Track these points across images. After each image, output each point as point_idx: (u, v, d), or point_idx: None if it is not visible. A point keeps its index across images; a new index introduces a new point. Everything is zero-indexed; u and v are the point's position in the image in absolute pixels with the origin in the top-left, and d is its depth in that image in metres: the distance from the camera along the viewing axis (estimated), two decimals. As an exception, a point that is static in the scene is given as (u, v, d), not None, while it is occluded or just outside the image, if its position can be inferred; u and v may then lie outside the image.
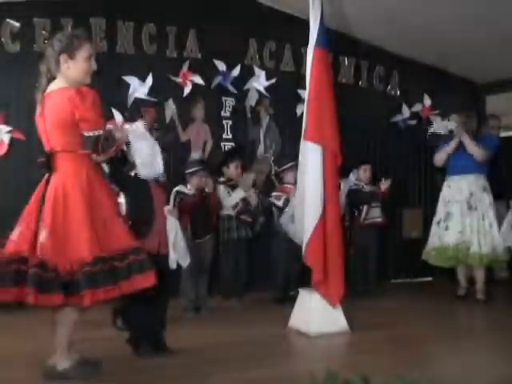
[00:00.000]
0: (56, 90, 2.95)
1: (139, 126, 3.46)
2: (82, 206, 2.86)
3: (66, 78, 2.97)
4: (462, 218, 5.34)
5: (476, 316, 5.07)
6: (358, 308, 4.67)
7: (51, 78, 3.00)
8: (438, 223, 5.50)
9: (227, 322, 4.55)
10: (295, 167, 5.28)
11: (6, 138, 5.15)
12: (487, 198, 5.40)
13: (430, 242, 5.56)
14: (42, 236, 2.82)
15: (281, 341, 3.99)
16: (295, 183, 5.26)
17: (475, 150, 5.35)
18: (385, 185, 5.71)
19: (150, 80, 5.37)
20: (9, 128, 5.15)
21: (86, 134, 2.90)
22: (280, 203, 5.30)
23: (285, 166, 5.45)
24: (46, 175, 2.95)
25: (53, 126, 2.94)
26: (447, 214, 5.42)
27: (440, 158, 5.61)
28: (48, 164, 2.94)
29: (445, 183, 5.57)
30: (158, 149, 3.50)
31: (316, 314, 4.11)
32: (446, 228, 5.40)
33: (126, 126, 3.42)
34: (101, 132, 2.92)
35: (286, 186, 5.43)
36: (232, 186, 5.24)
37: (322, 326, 4.07)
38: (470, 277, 5.56)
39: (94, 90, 2.96)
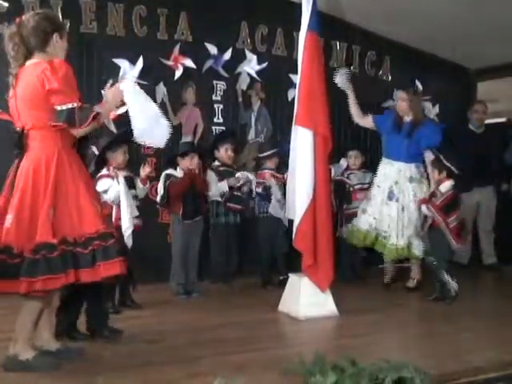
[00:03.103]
0: (30, 65, 2.87)
1: (130, 84, 3.14)
2: (48, 187, 2.78)
3: (47, 56, 2.89)
4: (380, 206, 5.07)
5: (462, 301, 5.12)
6: (346, 292, 4.71)
7: (28, 56, 2.90)
8: (362, 201, 5.32)
9: (216, 306, 4.57)
10: (276, 154, 5.31)
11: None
12: (412, 190, 5.05)
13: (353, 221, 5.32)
14: (7, 221, 2.75)
15: (270, 325, 4.02)
16: (276, 170, 5.32)
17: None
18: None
19: (140, 63, 5.32)
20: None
21: (58, 107, 2.79)
22: (260, 190, 5.29)
23: (265, 153, 5.39)
24: (19, 157, 2.87)
25: (24, 101, 2.85)
26: (372, 197, 5.18)
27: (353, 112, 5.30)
28: (19, 143, 2.85)
29: (380, 164, 5.27)
30: (158, 112, 3.12)
31: (305, 298, 4.14)
32: (364, 211, 5.18)
33: (118, 86, 3.08)
34: (74, 105, 2.79)
35: (264, 172, 5.39)
36: (224, 171, 5.21)
37: (310, 310, 4.11)
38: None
39: (66, 63, 2.87)
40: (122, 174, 4.22)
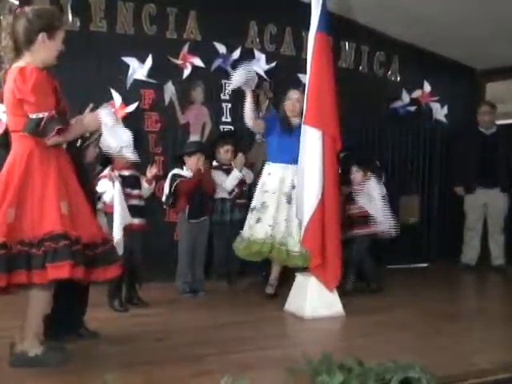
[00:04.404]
0: (12, 68, 2.82)
1: (110, 115, 3.06)
2: (10, 187, 2.77)
3: (35, 56, 2.83)
4: (275, 213, 4.60)
5: (469, 301, 5.11)
6: (354, 293, 4.71)
7: (19, 54, 2.85)
8: (252, 211, 4.77)
9: (222, 304, 4.58)
10: None
11: (4, 118, 5.11)
12: None
13: (243, 232, 4.81)
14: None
15: (276, 324, 4.02)
16: None
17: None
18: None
19: (149, 61, 5.33)
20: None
21: (30, 115, 2.75)
22: None
23: None
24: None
25: (5, 105, 2.86)
26: (262, 205, 4.67)
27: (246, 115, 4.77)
28: (3, 143, 2.86)
29: (266, 169, 4.78)
30: (129, 141, 3.11)
31: (311, 297, 4.13)
32: (258, 220, 4.67)
33: (98, 113, 3.03)
34: (45, 115, 2.73)
35: None
36: (224, 170, 5.20)
37: (317, 310, 4.10)
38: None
39: (39, 71, 2.78)
40: (126, 173, 4.23)
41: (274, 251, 4.59)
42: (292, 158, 4.50)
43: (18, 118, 2.82)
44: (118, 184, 4.12)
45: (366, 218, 5.04)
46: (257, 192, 4.80)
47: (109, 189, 4.12)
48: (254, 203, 4.77)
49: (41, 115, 2.74)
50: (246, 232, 4.74)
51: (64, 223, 2.77)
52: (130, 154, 3.20)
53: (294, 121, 4.73)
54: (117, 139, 3.04)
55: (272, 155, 4.80)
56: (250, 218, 4.75)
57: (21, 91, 2.74)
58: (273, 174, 4.71)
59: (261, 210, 4.67)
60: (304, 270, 4.38)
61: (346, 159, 5.13)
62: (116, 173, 4.18)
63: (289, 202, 4.62)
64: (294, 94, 4.77)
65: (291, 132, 4.66)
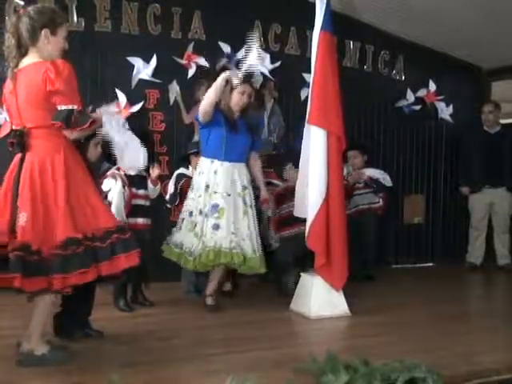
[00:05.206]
0: (30, 64, 2.84)
1: (112, 110, 3.14)
2: (58, 185, 2.79)
3: (40, 53, 2.86)
4: (235, 218, 4.19)
5: (475, 301, 5.09)
6: (359, 292, 4.70)
7: (24, 52, 2.87)
8: (191, 214, 4.26)
9: (228, 304, 4.57)
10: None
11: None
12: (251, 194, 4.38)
13: (174, 239, 4.37)
14: (22, 220, 2.75)
15: (282, 324, 4.02)
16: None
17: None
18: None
19: (154, 61, 5.35)
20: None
21: (60, 107, 2.78)
22: None
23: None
24: (20, 155, 2.85)
25: (27, 101, 2.83)
26: (214, 207, 4.15)
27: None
28: (21, 143, 2.83)
29: (209, 166, 4.26)
30: (134, 139, 3.17)
31: (317, 297, 4.13)
32: (217, 227, 4.11)
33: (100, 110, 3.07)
34: (75, 107, 2.79)
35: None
36: None
37: (322, 310, 4.10)
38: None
39: (69, 64, 2.83)
40: (132, 172, 4.23)
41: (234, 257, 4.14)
42: (240, 157, 4.31)
43: (45, 113, 2.82)
44: (119, 183, 4.13)
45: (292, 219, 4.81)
46: (198, 192, 4.23)
47: (112, 187, 4.13)
48: (198, 206, 4.20)
49: (71, 107, 2.79)
50: (204, 240, 4.12)
51: (114, 219, 2.99)
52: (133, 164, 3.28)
53: (237, 116, 4.37)
54: (119, 139, 3.06)
55: (217, 152, 4.25)
56: (199, 222, 4.17)
57: (54, 82, 2.75)
58: (220, 174, 4.21)
59: (216, 215, 4.14)
60: (259, 275, 4.32)
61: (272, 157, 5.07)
62: (122, 172, 4.19)
63: (245, 203, 4.27)
64: (246, 88, 4.34)
65: (237, 128, 4.30)
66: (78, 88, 2.91)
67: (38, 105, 2.82)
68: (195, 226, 4.21)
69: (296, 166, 4.61)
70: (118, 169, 4.20)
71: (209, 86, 4.25)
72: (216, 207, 4.15)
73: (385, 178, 5.76)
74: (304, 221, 4.29)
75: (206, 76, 4.30)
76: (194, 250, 4.16)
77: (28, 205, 2.76)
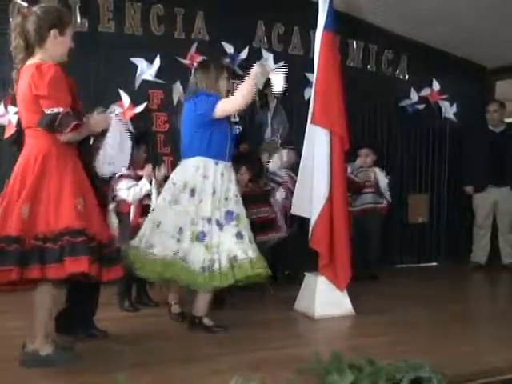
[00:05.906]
0: (27, 65, 2.84)
1: (120, 117, 3.19)
2: (26, 183, 2.78)
3: (48, 54, 2.85)
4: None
5: (479, 301, 5.08)
6: (363, 292, 4.70)
7: (31, 52, 2.87)
8: (193, 222, 3.66)
9: (232, 304, 4.57)
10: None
11: (14, 119, 5.14)
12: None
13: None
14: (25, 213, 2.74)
15: (286, 324, 4.02)
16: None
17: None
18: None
19: (157, 62, 5.35)
20: (17, 109, 5.14)
21: (45, 110, 2.77)
22: None
23: None
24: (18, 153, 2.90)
25: (20, 101, 2.87)
26: (229, 214, 3.71)
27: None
28: (16, 141, 2.87)
29: (208, 167, 3.70)
30: (128, 145, 3.19)
31: (321, 297, 4.13)
32: (240, 235, 3.69)
33: (110, 114, 3.11)
34: (60, 110, 2.75)
35: None
36: None
37: (326, 309, 4.10)
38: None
39: (55, 67, 2.81)
40: (140, 173, 4.24)
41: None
42: (227, 155, 3.83)
43: (33, 115, 2.83)
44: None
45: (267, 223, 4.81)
46: (200, 197, 3.66)
47: (132, 186, 4.14)
48: (201, 213, 3.63)
49: (56, 110, 2.76)
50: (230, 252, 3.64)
51: (81, 220, 2.79)
52: (114, 168, 3.22)
53: None
54: (117, 150, 3.07)
55: (221, 152, 3.77)
56: (209, 232, 3.62)
57: (37, 86, 2.76)
58: (227, 177, 3.77)
59: (232, 223, 3.70)
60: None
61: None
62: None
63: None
64: (227, 73, 3.95)
65: (229, 122, 3.94)
66: (76, 90, 2.93)
67: (28, 106, 2.85)
68: (205, 236, 3.61)
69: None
70: (135, 169, 4.22)
71: (217, 75, 3.84)
72: (231, 214, 3.70)
73: (385, 189, 5.74)
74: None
75: (210, 63, 3.89)
76: (210, 265, 3.58)
77: (28, 199, 2.77)
